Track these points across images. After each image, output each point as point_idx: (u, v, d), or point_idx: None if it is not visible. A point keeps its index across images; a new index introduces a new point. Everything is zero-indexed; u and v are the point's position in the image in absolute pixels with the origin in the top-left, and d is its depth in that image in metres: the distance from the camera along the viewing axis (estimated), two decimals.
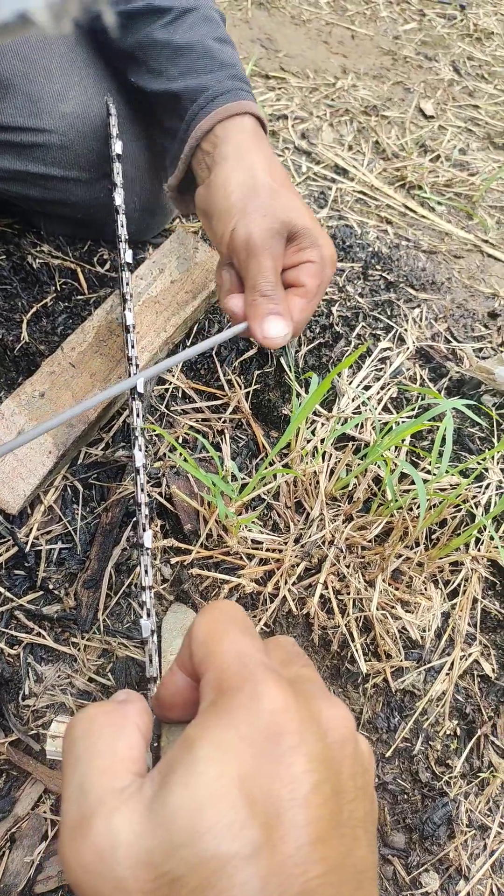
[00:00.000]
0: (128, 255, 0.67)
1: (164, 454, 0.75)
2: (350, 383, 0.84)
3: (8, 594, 0.66)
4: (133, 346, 0.64)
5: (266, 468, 0.72)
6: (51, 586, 0.67)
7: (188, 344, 0.83)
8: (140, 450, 0.59)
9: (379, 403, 0.84)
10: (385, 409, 0.84)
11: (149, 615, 0.52)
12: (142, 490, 0.57)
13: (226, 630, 0.29)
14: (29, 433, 0.50)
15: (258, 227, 0.60)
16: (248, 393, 0.81)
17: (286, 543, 0.71)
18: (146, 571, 0.54)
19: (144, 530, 0.55)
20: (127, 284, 0.67)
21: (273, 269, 0.60)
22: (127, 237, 0.69)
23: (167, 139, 0.73)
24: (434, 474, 0.77)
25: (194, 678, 0.30)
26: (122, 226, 0.69)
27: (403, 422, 0.80)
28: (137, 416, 0.61)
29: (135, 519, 0.69)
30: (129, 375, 0.64)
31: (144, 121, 0.80)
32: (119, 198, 0.69)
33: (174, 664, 0.32)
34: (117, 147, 0.72)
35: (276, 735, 0.25)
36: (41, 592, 0.67)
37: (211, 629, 0.30)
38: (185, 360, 0.55)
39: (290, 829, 0.23)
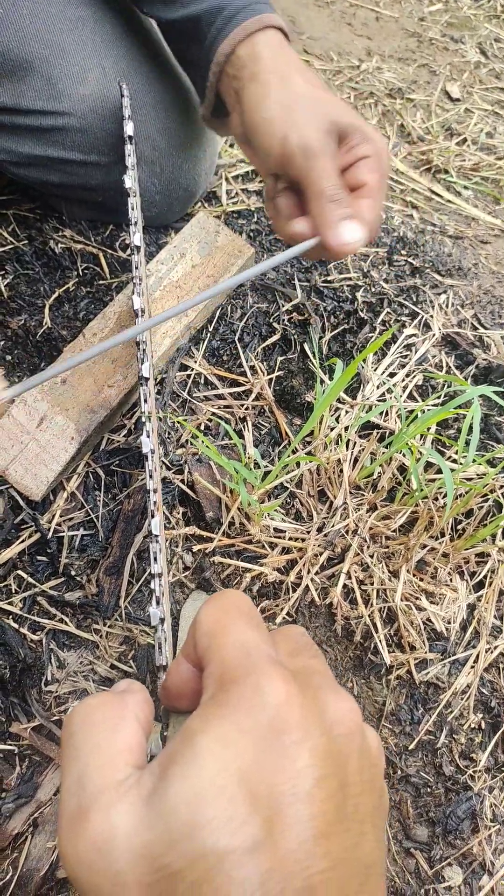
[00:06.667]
0: (136, 238, 0.66)
1: (187, 441, 0.74)
2: (375, 370, 0.83)
3: (31, 580, 0.66)
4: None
5: (289, 456, 0.71)
6: (73, 573, 0.66)
7: (210, 329, 0.82)
8: (148, 436, 0.58)
9: (404, 391, 0.82)
10: (410, 396, 0.83)
11: (158, 603, 0.52)
12: (150, 477, 0.57)
13: (231, 621, 0.29)
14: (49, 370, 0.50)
15: (312, 129, 0.56)
16: (270, 379, 0.80)
17: (309, 532, 0.70)
18: (154, 559, 0.53)
19: (153, 517, 0.55)
20: (136, 268, 0.66)
21: (336, 171, 0.57)
22: (138, 220, 0.68)
23: (191, 70, 0.70)
24: (460, 463, 0.75)
25: (199, 668, 0.30)
26: (133, 208, 0.68)
27: (429, 409, 0.79)
28: (145, 401, 0.60)
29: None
30: (141, 359, 0.63)
31: (166, 102, 0.78)
32: (129, 180, 0.68)
33: (180, 654, 0.32)
34: (128, 129, 0.71)
35: (278, 729, 0.24)
36: (63, 579, 0.66)
37: (216, 619, 0.29)
38: (228, 288, 0.53)
39: (292, 825, 0.23)
